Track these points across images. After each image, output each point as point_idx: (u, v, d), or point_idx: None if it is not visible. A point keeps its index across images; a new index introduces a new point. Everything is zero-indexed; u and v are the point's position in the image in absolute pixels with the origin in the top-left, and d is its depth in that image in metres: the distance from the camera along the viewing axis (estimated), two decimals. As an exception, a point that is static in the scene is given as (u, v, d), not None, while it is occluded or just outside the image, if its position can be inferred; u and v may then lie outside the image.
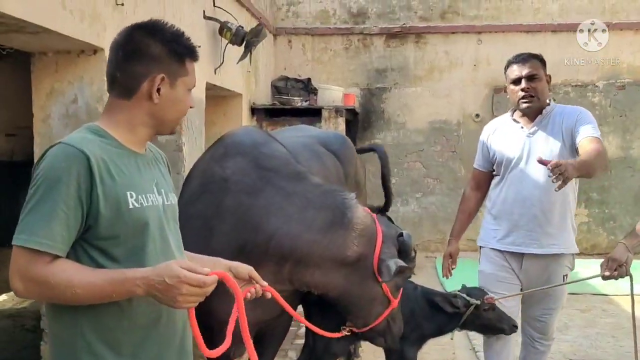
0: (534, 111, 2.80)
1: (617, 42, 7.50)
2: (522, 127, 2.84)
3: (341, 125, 6.58)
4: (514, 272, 2.86)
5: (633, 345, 2.56)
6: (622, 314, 4.83)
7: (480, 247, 3.02)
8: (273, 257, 2.27)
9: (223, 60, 5.25)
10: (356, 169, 3.46)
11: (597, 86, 7.54)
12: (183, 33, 1.51)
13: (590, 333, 4.63)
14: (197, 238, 2.23)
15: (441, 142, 7.82)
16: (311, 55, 7.94)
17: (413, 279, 2.74)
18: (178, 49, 1.47)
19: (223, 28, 5.11)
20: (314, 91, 7.47)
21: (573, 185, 2.79)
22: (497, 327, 2.76)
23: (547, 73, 2.80)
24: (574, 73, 7.44)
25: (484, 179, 3.03)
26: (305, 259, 2.29)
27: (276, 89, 7.58)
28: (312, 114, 6.78)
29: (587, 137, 2.63)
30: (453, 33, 7.71)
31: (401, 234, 2.42)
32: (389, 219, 7.40)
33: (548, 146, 2.74)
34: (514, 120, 2.90)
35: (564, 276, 2.84)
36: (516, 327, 2.79)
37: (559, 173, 2.20)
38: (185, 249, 1.59)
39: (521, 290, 2.88)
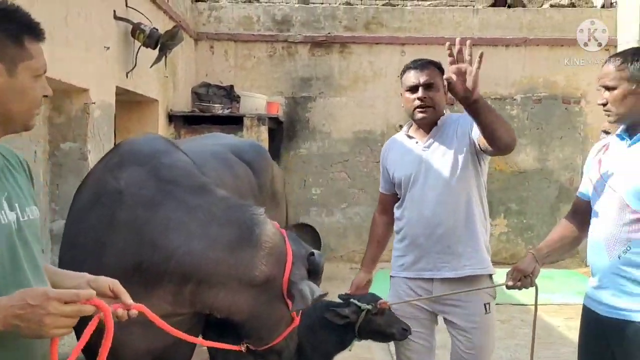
0: (428, 123, 2.57)
1: (534, 58, 7.75)
2: (417, 142, 2.61)
3: (264, 134, 6.40)
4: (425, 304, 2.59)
5: (549, 356, 2.52)
6: (541, 324, 4.88)
7: (391, 276, 2.73)
8: (173, 276, 2.05)
9: (135, 64, 4.96)
10: (272, 180, 3.27)
11: (515, 99, 7.75)
12: (17, 8, 1.27)
13: (510, 344, 4.64)
14: (87, 255, 2.03)
15: (366, 153, 7.78)
16: (234, 61, 7.72)
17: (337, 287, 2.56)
18: (11, 28, 1.23)
19: (136, 30, 4.83)
20: (236, 99, 7.24)
21: (477, 199, 2.57)
22: (387, 332, 2.55)
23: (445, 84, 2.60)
24: (494, 86, 7.61)
25: (389, 202, 2.75)
26: (208, 280, 2.09)
27: (197, 96, 7.29)
28: (234, 122, 6.56)
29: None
30: (377, 44, 7.71)
31: (312, 254, 2.26)
32: (313, 229, 7.21)
33: (445, 157, 2.53)
34: (408, 136, 2.67)
35: (485, 305, 2.55)
36: (407, 330, 2.55)
37: None
38: (74, 267, 1.36)
39: (436, 322, 2.67)
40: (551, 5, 8.08)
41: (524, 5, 7.95)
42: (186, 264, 2.05)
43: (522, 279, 2.27)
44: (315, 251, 2.27)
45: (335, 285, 6.98)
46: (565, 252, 2.45)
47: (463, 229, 2.52)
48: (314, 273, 2.23)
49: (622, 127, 2.23)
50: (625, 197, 2.09)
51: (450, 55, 2.13)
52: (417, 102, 2.50)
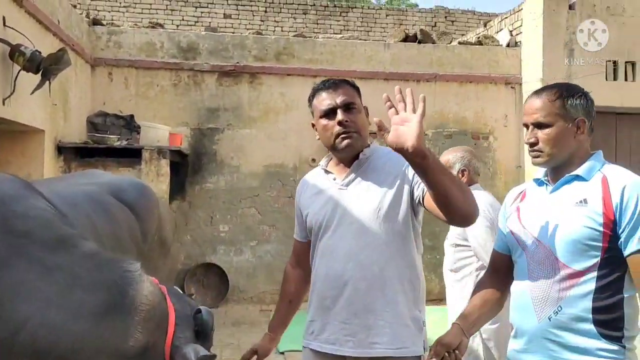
0: (351, 155, 2.12)
1: (444, 94, 7.78)
2: (334, 179, 2.14)
3: (164, 167, 5.91)
4: None
5: None
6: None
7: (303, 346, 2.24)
8: (21, 355, 1.61)
9: (14, 89, 4.37)
10: (160, 224, 2.83)
11: (427, 134, 7.71)
12: None
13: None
14: None
15: (277, 187, 7.43)
16: (135, 90, 7.19)
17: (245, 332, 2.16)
18: None
19: (15, 51, 4.27)
20: (137, 129, 6.72)
21: (405, 255, 2.07)
22: None
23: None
24: (406, 120, 7.49)
25: (305, 252, 2.27)
26: (70, 357, 1.66)
27: (93, 126, 6.70)
28: (132, 155, 6.03)
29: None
30: (289, 75, 7.45)
31: (199, 311, 1.88)
32: (220, 269, 6.68)
33: (366, 199, 2.04)
34: (326, 171, 2.19)
35: None
36: None
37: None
38: None
39: None
40: (459, 43, 8.20)
41: (433, 42, 8.00)
42: (40, 339, 1.62)
43: (447, 354, 1.89)
44: (203, 308, 1.91)
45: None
46: (491, 317, 2.16)
47: (378, 293, 2.02)
48: (202, 333, 1.86)
49: (541, 171, 2.02)
50: (553, 249, 1.85)
51: (390, 107, 1.81)
52: (338, 128, 2.04)
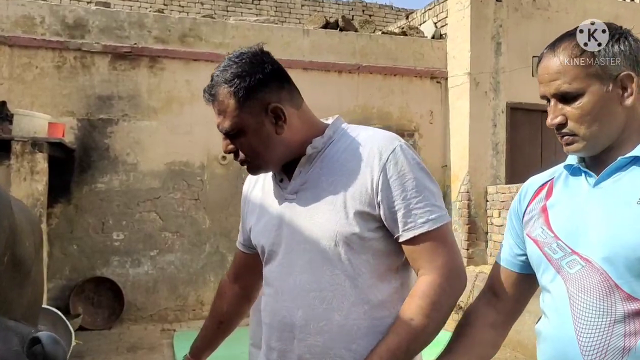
0: (290, 153, 1.46)
1: (367, 86, 7.18)
2: (281, 181, 1.49)
3: (41, 163, 4.83)
4: None
5: None
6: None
7: None
8: None
9: None
10: (13, 240, 1.89)
11: (349, 130, 7.08)
12: None
13: None
14: None
15: (182, 188, 6.49)
16: (8, 71, 5.99)
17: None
18: None
19: None
20: (10, 118, 5.56)
21: (382, 282, 1.38)
22: None
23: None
24: (327, 116, 6.84)
25: (248, 266, 1.69)
26: None
27: (-48, 113, 5.47)
28: (0, 148, 4.90)
29: (418, 238, 1.33)
30: (195, 60, 6.53)
31: (35, 340, 1.11)
32: (113, 284, 5.69)
33: (323, 214, 1.37)
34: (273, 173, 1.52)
35: None
36: None
37: None
38: None
39: None
40: (383, 32, 7.64)
41: (356, 30, 7.38)
42: None
43: None
44: (44, 335, 1.15)
45: (141, 355, 5.51)
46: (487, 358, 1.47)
47: (342, 351, 1.36)
48: None
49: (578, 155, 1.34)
50: (610, 272, 1.16)
51: None
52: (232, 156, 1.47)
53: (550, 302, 1.28)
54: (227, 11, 10.62)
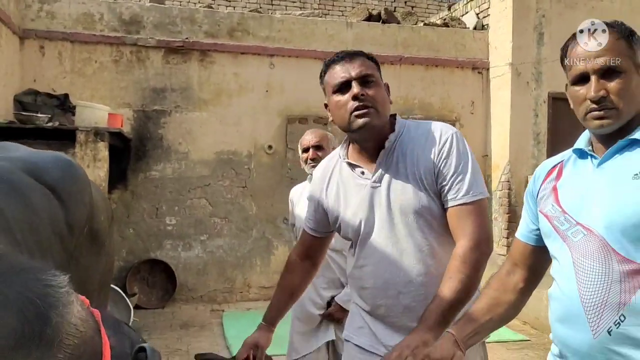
0: (374, 138, 1.80)
1: (409, 77, 7.33)
2: (362, 173, 1.84)
3: (102, 152, 5.20)
4: None
5: None
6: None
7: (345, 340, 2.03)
8: None
9: None
10: (92, 213, 2.19)
11: (390, 120, 7.24)
12: None
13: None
14: None
15: (230, 176, 6.81)
16: (70, 66, 6.41)
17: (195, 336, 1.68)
18: None
19: None
20: (72, 110, 5.97)
21: (444, 248, 1.78)
22: None
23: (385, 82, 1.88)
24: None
25: (317, 247, 2.10)
26: None
27: (21, 105, 5.91)
28: (65, 137, 5.28)
29: (458, 208, 1.72)
30: (243, 53, 6.82)
31: (141, 349, 1.30)
32: (167, 267, 6.05)
33: (405, 197, 1.77)
34: (350, 164, 1.88)
35: None
36: None
37: None
38: None
39: None
40: (425, 24, 7.77)
41: (398, 22, 7.53)
42: None
43: None
44: (148, 347, 1.34)
45: (192, 333, 5.89)
46: (502, 324, 1.68)
47: (432, 284, 1.79)
48: None
49: (585, 138, 1.53)
50: (608, 238, 1.36)
51: None
52: (353, 103, 1.73)
53: (558, 268, 1.49)
54: (272, 5, 10.89)
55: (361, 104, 1.72)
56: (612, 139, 1.42)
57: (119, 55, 6.53)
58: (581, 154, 1.50)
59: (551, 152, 7.22)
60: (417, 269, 1.75)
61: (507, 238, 7.02)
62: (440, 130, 1.78)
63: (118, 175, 6.38)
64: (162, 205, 6.62)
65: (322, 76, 1.86)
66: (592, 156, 1.47)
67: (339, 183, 1.90)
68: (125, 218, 6.51)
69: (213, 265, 6.78)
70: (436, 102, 7.46)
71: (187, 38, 6.66)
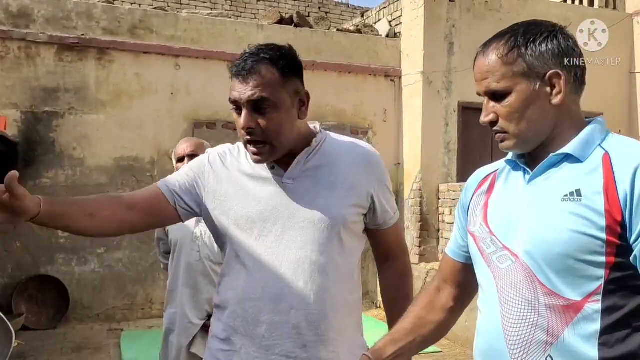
0: (284, 154, 1.60)
1: (322, 84, 7.15)
2: (272, 168, 1.61)
3: (-21, 157, 4.63)
4: None
5: None
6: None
7: None
8: None
9: None
10: None
11: (303, 127, 7.04)
12: None
13: None
14: None
15: (131, 184, 6.33)
16: (-54, 61, 5.73)
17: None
18: None
19: None
20: (-53, 110, 5.32)
21: (353, 263, 1.67)
22: None
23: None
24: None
25: (159, 213, 1.69)
26: None
27: None
28: None
29: (394, 227, 1.75)
30: (146, 53, 6.38)
31: None
32: (59, 283, 5.54)
33: (322, 200, 1.58)
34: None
35: None
36: None
37: None
38: None
39: None
40: (338, 30, 7.64)
41: (311, 27, 7.36)
42: None
43: None
44: None
45: (86, 356, 5.30)
46: (424, 347, 1.50)
47: (332, 320, 1.64)
48: None
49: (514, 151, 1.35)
50: (532, 267, 1.18)
51: None
52: (244, 133, 1.52)
53: (483, 297, 1.31)
54: (181, 4, 10.44)
55: (251, 138, 1.51)
56: (542, 152, 1.25)
57: (5, 51, 5.92)
58: (515, 166, 1.32)
59: (461, 161, 7.29)
60: (317, 284, 1.54)
61: (419, 247, 7.00)
62: (368, 148, 1.70)
63: (3, 183, 5.75)
64: (54, 216, 6.04)
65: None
66: (524, 170, 1.29)
67: (242, 170, 1.63)
68: (11, 230, 5.88)
69: (111, 280, 6.28)
70: (349, 109, 7.34)
71: (83, 35, 6.14)
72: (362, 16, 8.76)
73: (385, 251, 1.74)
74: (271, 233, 1.55)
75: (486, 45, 1.27)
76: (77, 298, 6.10)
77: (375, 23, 8.10)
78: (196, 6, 10.40)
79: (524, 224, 1.21)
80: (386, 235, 1.71)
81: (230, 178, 1.62)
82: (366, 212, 1.64)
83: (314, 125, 1.66)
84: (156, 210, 1.60)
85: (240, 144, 1.65)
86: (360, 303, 1.73)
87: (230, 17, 7.40)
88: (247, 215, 1.56)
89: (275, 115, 1.48)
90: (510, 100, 1.22)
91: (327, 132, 1.68)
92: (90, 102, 6.19)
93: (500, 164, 1.40)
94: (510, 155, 1.34)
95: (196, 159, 1.71)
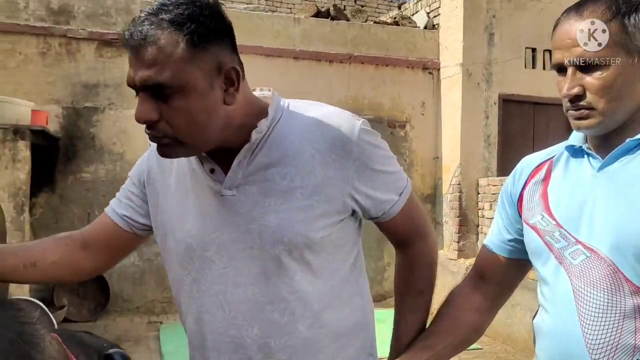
0: (218, 145, 1.15)
1: (359, 77, 7.08)
2: (212, 171, 1.18)
3: (23, 151, 4.70)
4: None
5: None
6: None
7: None
8: None
9: None
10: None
11: (339, 121, 6.97)
12: None
13: None
14: None
15: (169, 179, 6.37)
16: (-9, 58, 5.85)
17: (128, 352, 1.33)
18: None
19: None
20: (-8, 106, 5.42)
21: (344, 279, 1.23)
22: None
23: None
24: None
25: (109, 239, 1.41)
26: None
27: None
28: (-19, 136, 4.77)
29: (401, 215, 1.26)
30: (184, 48, 6.40)
31: (108, 357, 1.10)
32: (99, 276, 5.60)
33: (264, 217, 1.13)
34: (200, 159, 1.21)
35: None
36: None
37: None
38: None
39: None
40: (375, 22, 7.54)
41: (347, 19, 7.28)
42: None
43: None
44: (115, 352, 1.13)
45: (126, 349, 5.45)
46: (459, 350, 1.39)
47: (302, 347, 1.24)
48: None
49: (577, 134, 1.25)
50: (618, 262, 1.07)
51: None
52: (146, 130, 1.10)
53: (551, 296, 1.19)
54: (217, -1, 10.46)
55: (151, 133, 1.07)
56: (615, 137, 1.14)
57: (47, 47, 6.01)
58: (575, 153, 1.22)
59: (501, 155, 7.12)
60: (279, 326, 1.15)
61: (458, 242, 6.86)
62: (342, 122, 1.16)
63: (45, 177, 5.86)
64: (95, 210, 6.12)
65: None
66: (590, 156, 1.18)
67: (177, 175, 1.23)
68: (52, 224, 5.99)
69: (151, 273, 6.34)
70: (386, 102, 7.24)
71: (122, 30, 6.18)
72: (399, 8, 8.64)
73: (395, 239, 1.33)
74: (214, 265, 1.16)
75: (580, 6, 1.13)
76: (117, 291, 6.18)
77: (412, 15, 7.97)
78: (232, 1, 10.42)
79: (601, 216, 1.11)
80: (392, 225, 1.26)
81: (166, 186, 1.24)
82: (348, 215, 1.19)
83: (263, 94, 1.19)
84: (114, 242, 1.31)
85: None
86: (368, 321, 1.30)
87: (266, 11, 7.37)
88: (186, 242, 1.18)
89: (182, 103, 1.03)
90: (605, 73, 1.09)
91: (285, 103, 1.19)
92: (130, 97, 6.21)
93: (555, 149, 1.29)
94: (572, 140, 1.24)
95: (138, 161, 1.36)
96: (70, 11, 6.08)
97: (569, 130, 1.24)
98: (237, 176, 1.14)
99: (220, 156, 1.15)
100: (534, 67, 7.24)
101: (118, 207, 1.32)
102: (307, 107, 1.19)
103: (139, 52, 1.02)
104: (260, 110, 1.15)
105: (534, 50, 7.22)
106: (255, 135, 1.12)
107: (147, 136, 1.12)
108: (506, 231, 1.35)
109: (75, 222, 6.08)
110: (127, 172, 5.44)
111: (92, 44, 6.12)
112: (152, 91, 1.03)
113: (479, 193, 6.95)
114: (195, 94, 1.03)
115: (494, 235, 1.38)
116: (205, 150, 1.14)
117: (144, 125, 1.09)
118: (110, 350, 1.14)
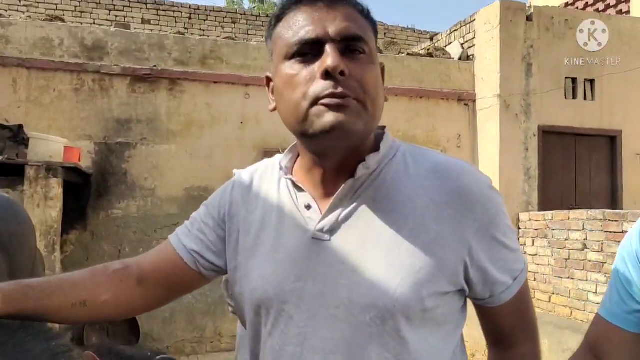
0: (344, 155, 0.96)
1: (392, 109, 6.93)
2: (308, 207, 0.99)
3: (55, 189, 4.63)
4: None
5: None
6: None
7: None
8: None
9: None
10: (37, 258, 1.65)
11: (373, 154, 6.82)
12: None
13: None
14: None
15: (200, 215, 6.25)
16: (26, 94, 5.86)
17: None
18: None
19: None
20: (26, 142, 5.40)
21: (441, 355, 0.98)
22: None
23: None
24: (350, 139, 6.60)
25: (167, 274, 1.18)
26: None
27: (-33, 137, 5.32)
28: (14, 173, 4.72)
29: (514, 300, 1.01)
30: (216, 83, 6.36)
31: None
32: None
33: (359, 273, 0.92)
34: (295, 184, 1.03)
35: None
36: None
37: None
38: None
39: None
40: (408, 54, 7.42)
41: (380, 52, 7.17)
42: None
43: None
44: (163, 358, 1.08)
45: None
46: None
47: None
48: None
49: None
50: None
51: None
52: (323, 85, 0.88)
53: None
54: (248, 34, 10.52)
55: (337, 90, 0.87)
56: None
57: (80, 84, 6.01)
58: None
59: (542, 188, 6.85)
60: None
61: (499, 280, 6.56)
62: (472, 176, 0.97)
63: (76, 214, 5.80)
64: (125, 247, 6.03)
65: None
66: None
67: (271, 208, 1.05)
68: (83, 261, 5.89)
69: (181, 312, 6.17)
70: (421, 134, 7.07)
71: (155, 66, 6.17)
72: (431, 40, 8.51)
73: (495, 334, 1.08)
74: (292, 321, 0.96)
75: None
76: (147, 330, 6.02)
77: (445, 46, 7.83)
78: (263, 35, 10.47)
79: None
80: (497, 313, 1.02)
81: (248, 223, 1.07)
82: (456, 289, 0.96)
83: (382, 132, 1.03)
84: (175, 279, 1.11)
85: (279, 159, 1.10)
86: None
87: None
88: (263, 289, 0.99)
89: (371, 65, 0.92)
90: None
91: (401, 146, 1.02)
92: (162, 132, 6.19)
93: None
94: None
95: (219, 191, 1.21)
96: (103, 47, 6.09)
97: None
98: (335, 217, 0.95)
99: (315, 188, 1.00)
100: (574, 97, 7.01)
101: (186, 239, 1.12)
102: (425, 152, 1.02)
103: (336, 5, 0.93)
104: (370, 142, 0.98)
105: (574, 80, 7.01)
106: (362, 171, 0.95)
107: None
108: (631, 299, 1.12)
109: (106, 259, 5.97)
110: (159, 208, 5.27)
111: (125, 80, 6.11)
112: (346, 44, 0.91)
113: (519, 228, 6.66)
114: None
115: (614, 304, 1.15)
116: (369, 134, 0.95)
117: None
118: (157, 358, 1.00)
